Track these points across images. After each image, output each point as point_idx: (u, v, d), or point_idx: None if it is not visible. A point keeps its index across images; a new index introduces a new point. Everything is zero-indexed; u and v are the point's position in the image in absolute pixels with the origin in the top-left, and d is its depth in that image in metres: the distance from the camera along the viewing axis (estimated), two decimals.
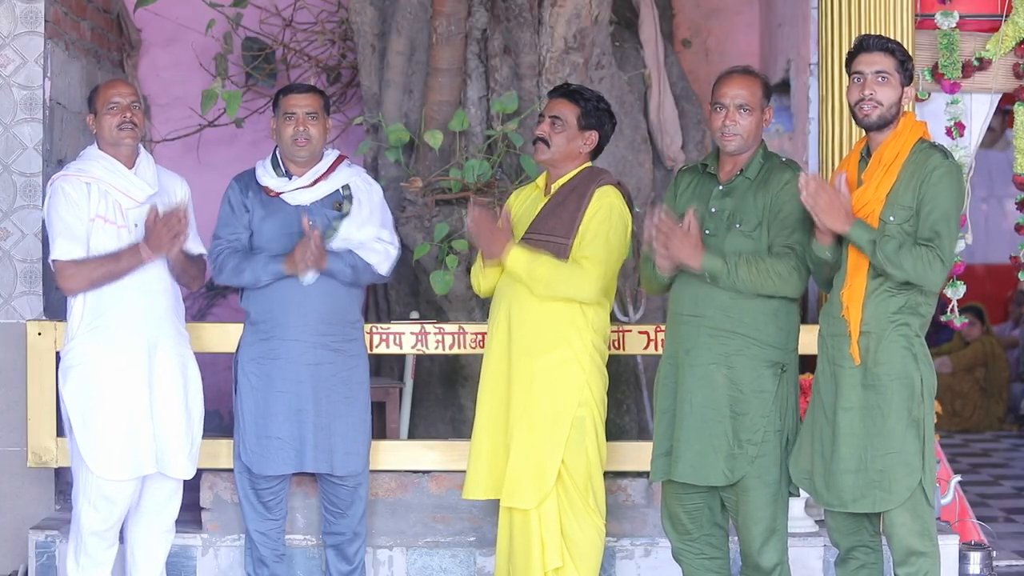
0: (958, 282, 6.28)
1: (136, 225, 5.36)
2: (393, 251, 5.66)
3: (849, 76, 4.86)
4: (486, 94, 6.92)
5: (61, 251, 5.28)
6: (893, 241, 4.67)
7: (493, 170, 6.70)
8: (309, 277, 5.47)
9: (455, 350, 6.06)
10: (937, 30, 6.24)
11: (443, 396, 7.08)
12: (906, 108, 4.88)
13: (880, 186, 4.76)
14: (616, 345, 5.91)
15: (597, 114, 5.36)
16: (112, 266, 5.27)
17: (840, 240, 4.80)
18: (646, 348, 5.99)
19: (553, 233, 5.26)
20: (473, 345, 6.00)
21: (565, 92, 5.41)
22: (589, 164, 5.41)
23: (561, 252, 5.23)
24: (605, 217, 5.25)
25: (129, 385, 5.31)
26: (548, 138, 5.32)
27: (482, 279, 5.44)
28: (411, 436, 6.84)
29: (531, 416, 5.24)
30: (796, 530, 5.79)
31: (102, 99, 5.39)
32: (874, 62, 4.79)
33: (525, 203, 5.47)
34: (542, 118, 5.38)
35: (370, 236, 5.58)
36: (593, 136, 5.37)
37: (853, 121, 4.92)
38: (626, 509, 5.96)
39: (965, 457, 10.29)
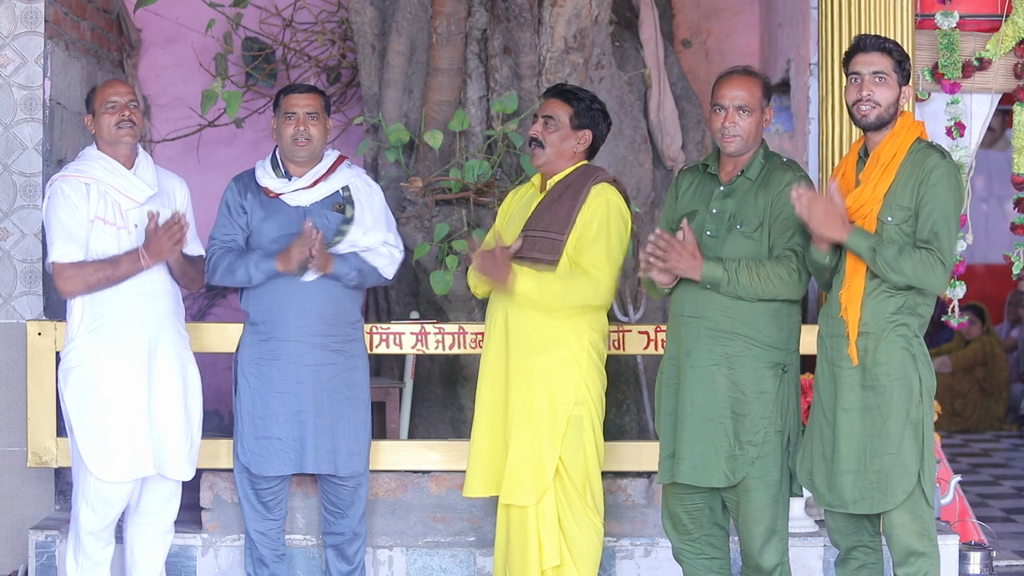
0: (959, 282, 6.26)
1: (136, 226, 5.36)
2: (398, 254, 5.68)
3: (846, 76, 4.85)
4: (486, 94, 6.91)
5: (59, 253, 5.27)
6: (893, 247, 4.66)
7: (493, 170, 6.70)
8: (309, 275, 5.47)
9: (455, 350, 6.06)
10: (937, 30, 6.23)
11: (443, 396, 7.08)
12: (904, 108, 4.87)
13: (878, 186, 4.75)
14: (616, 345, 5.91)
15: (590, 114, 5.36)
16: (110, 271, 5.27)
17: (838, 244, 4.80)
18: (646, 348, 5.99)
19: (548, 229, 5.26)
20: (473, 345, 5.99)
21: (558, 92, 5.42)
22: (585, 162, 5.41)
23: (556, 248, 5.23)
24: (604, 217, 5.25)
25: (129, 386, 5.30)
26: (541, 138, 5.33)
27: (479, 283, 5.45)
28: (411, 436, 6.84)
29: (529, 414, 5.24)
30: (796, 530, 5.79)
31: (100, 99, 5.39)
32: (871, 62, 4.78)
33: (521, 201, 5.47)
34: (536, 118, 5.39)
35: (377, 241, 5.60)
36: (587, 136, 5.37)
37: (852, 121, 4.92)
38: (626, 509, 5.95)
39: (965, 457, 10.28)
